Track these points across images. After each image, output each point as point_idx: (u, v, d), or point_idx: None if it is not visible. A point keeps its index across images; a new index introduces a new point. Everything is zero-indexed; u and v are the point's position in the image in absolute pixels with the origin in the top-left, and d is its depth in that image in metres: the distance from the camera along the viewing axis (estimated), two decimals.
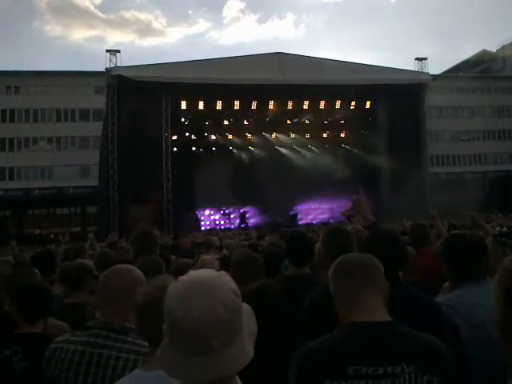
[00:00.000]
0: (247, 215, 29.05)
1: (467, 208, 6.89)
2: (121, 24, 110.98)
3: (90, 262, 3.62)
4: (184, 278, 1.12)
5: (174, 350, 1.08)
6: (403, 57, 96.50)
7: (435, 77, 33.18)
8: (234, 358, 1.07)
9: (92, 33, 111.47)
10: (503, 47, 47.80)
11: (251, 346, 1.14)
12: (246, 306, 1.20)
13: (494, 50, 49.37)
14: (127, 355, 1.83)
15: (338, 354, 1.61)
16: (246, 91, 23.94)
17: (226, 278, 1.13)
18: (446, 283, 2.89)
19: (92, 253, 6.02)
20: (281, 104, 26.34)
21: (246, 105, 25.75)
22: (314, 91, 24.77)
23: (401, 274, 2.37)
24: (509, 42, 47.39)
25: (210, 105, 25.30)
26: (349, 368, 1.56)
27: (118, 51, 25.19)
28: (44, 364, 1.90)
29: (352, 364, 1.56)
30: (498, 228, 2.87)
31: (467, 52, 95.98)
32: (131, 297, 1.92)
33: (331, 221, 24.78)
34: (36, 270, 3.74)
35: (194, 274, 1.13)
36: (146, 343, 1.75)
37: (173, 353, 1.08)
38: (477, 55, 50.26)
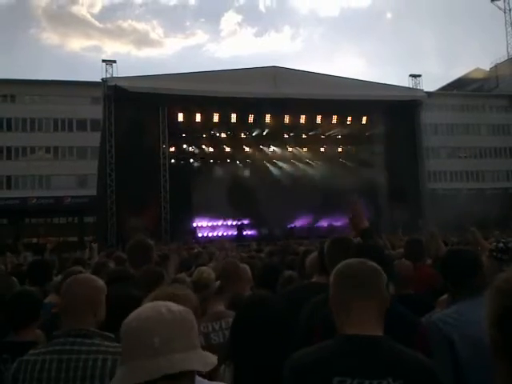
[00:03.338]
0: (244, 227, 28.99)
1: (465, 224, 6.90)
2: (118, 34, 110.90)
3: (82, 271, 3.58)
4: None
5: (123, 362, 1.15)
6: (397, 73, 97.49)
7: (429, 94, 33.41)
8: (175, 361, 1.11)
9: (89, 42, 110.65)
10: (496, 66, 48.13)
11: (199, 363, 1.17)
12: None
13: (488, 69, 49.72)
14: (96, 356, 1.89)
15: (324, 364, 1.61)
16: (243, 104, 24.05)
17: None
18: (443, 297, 2.89)
19: (89, 262, 5.98)
20: (277, 118, 26.44)
21: (242, 118, 25.85)
22: (310, 106, 24.88)
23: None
24: (502, 60, 47.79)
25: (206, 117, 25.39)
26: (334, 379, 1.56)
27: (114, 61, 25.25)
28: (10, 379, 1.91)
29: (337, 375, 1.56)
30: (495, 243, 2.84)
31: (460, 70, 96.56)
32: (95, 304, 2.04)
33: (329, 235, 24.74)
34: (14, 278, 3.73)
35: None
36: (114, 344, 1.86)
37: (122, 365, 1.16)
38: (470, 73, 50.51)
